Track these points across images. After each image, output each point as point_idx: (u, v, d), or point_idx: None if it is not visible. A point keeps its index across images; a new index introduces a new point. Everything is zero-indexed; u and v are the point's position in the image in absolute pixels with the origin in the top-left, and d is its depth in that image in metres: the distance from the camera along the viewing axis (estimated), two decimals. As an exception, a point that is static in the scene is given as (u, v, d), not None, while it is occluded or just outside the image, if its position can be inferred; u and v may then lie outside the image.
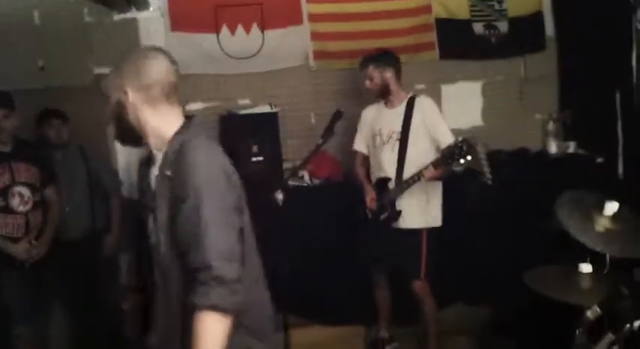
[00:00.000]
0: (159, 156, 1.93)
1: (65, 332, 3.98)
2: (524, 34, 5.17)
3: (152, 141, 1.95)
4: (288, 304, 3.91)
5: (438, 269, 3.83)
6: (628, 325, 2.13)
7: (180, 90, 1.96)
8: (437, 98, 4.96)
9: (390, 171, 3.78)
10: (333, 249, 4.22)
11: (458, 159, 3.33)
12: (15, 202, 3.52)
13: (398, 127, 3.77)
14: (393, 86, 3.84)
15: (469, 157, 3.31)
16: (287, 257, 3.87)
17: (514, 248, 4.23)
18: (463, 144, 3.31)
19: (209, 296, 1.68)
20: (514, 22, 5.15)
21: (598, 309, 2.30)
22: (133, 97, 1.89)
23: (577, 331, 2.35)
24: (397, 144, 3.76)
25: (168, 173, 1.84)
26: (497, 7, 5.14)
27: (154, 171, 1.95)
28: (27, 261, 3.53)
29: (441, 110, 4.79)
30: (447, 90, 5.14)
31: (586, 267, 2.80)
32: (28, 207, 3.57)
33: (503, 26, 5.15)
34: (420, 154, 3.68)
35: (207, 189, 1.75)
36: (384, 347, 4.16)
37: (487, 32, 5.13)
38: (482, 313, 4.35)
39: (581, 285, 2.74)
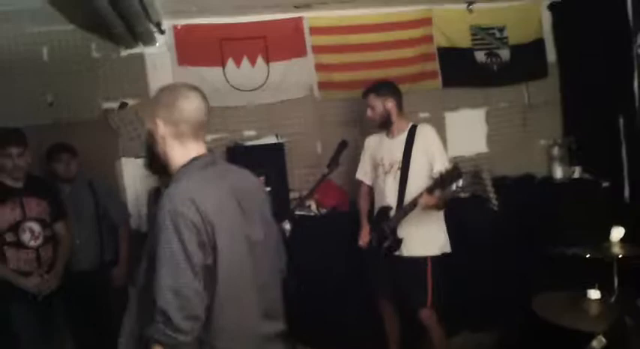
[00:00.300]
0: None
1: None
2: (526, 62, 5.23)
3: (173, 172, 2.03)
4: (297, 332, 3.90)
5: (445, 296, 3.83)
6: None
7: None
8: (441, 126, 5.03)
9: (393, 199, 3.79)
10: (341, 277, 4.24)
11: (449, 184, 3.36)
12: (26, 237, 3.55)
13: (399, 157, 3.78)
14: (394, 116, 3.85)
15: (460, 182, 3.35)
16: (295, 286, 3.86)
17: (521, 274, 4.23)
18: (454, 169, 3.36)
19: (153, 330, 1.77)
20: (515, 50, 5.22)
21: (603, 339, 2.30)
22: (162, 130, 1.99)
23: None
24: (399, 174, 3.77)
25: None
26: (498, 35, 5.21)
27: None
28: (39, 294, 3.54)
29: (445, 138, 4.89)
30: (451, 118, 5.18)
31: (594, 294, 2.80)
32: (39, 242, 3.60)
33: (504, 54, 5.22)
34: (421, 183, 3.66)
35: (168, 225, 1.80)
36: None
37: (489, 60, 5.20)
38: (489, 340, 4.32)
39: (589, 312, 2.74)
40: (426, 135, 3.78)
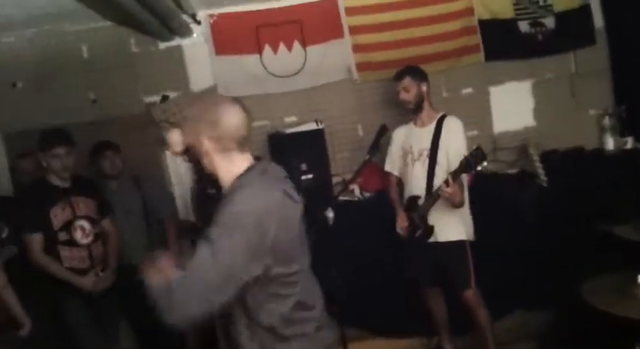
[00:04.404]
0: None
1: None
2: (573, 29, 5.02)
3: (224, 183, 2.05)
4: (346, 317, 3.91)
5: (496, 275, 3.77)
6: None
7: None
8: (485, 101, 4.97)
9: (421, 188, 3.77)
10: (388, 261, 4.21)
11: (474, 167, 3.31)
12: (78, 235, 3.64)
13: (428, 144, 3.76)
14: (426, 102, 3.84)
15: (485, 163, 3.30)
16: (342, 270, 3.86)
17: (571, 253, 4.12)
18: (477, 151, 3.30)
19: None
20: (561, 18, 5.01)
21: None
22: (207, 145, 1.99)
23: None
24: (427, 161, 3.75)
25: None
26: (542, 3, 5.02)
27: None
28: (95, 292, 3.64)
29: (490, 113, 4.85)
30: (496, 92, 5.06)
31: (645, 278, 2.69)
32: (90, 239, 3.68)
33: (549, 22, 5.02)
34: (448, 171, 3.62)
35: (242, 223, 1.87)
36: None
37: (533, 30, 5.01)
38: (542, 319, 4.23)
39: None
40: (450, 127, 3.75)
